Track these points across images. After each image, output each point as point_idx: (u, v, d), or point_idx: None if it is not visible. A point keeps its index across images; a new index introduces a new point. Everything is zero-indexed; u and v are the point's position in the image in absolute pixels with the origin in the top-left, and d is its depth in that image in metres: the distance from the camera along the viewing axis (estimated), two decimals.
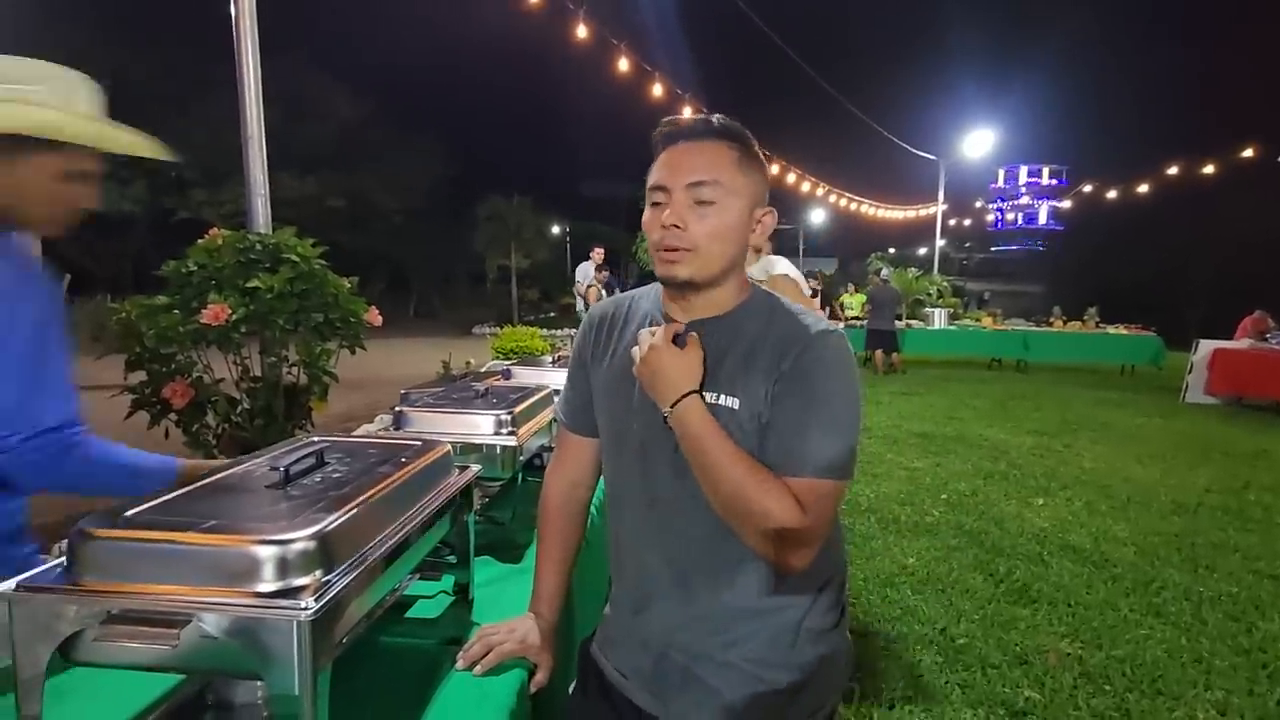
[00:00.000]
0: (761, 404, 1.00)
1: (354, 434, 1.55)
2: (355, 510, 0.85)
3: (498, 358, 3.70)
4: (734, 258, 1.07)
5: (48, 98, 1.19)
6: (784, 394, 0.99)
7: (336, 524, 0.81)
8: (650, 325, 1.13)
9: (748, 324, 1.07)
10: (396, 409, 1.59)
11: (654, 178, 1.06)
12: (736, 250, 1.07)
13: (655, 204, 1.06)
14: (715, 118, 1.06)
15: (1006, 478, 5.50)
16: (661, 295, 1.14)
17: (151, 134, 1.32)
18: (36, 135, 1.16)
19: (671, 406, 1.01)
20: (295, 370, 2.44)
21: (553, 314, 29.75)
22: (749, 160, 1.06)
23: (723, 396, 1.02)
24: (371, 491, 0.91)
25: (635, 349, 1.07)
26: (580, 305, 7.27)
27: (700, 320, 1.09)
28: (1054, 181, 62.41)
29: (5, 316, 1.11)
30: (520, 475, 1.60)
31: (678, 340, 1.06)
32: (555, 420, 1.31)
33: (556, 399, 1.33)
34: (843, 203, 19.27)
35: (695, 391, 1.01)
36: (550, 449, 1.74)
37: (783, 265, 2.88)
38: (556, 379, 2.28)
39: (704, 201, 1.02)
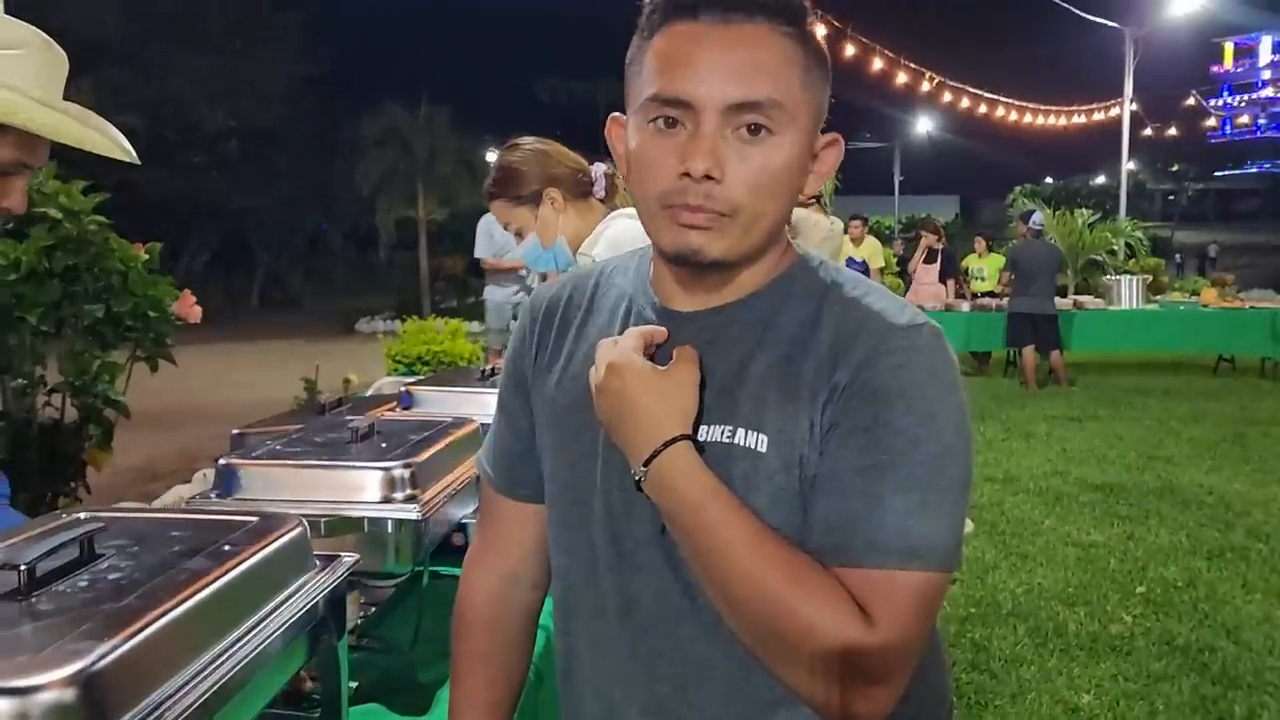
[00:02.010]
0: (805, 444, 0.70)
1: (155, 504, 1.19)
2: (142, 636, 0.66)
3: (397, 371, 3.15)
4: (784, 217, 0.75)
5: (11, 72, 1.06)
6: (840, 428, 0.70)
7: (109, 660, 0.62)
8: (631, 318, 0.82)
9: (786, 312, 0.75)
10: (223, 462, 1.26)
11: (663, 80, 0.70)
12: (788, 205, 0.75)
13: (661, 124, 0.71)
14: None
15: (1245, 557, 3.93)
16: (650, 269, 0.84)
17: None
18: None
19: (646, 463, 0.70)
20: (57, 399, 1.94)
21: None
22: (814, 57, 0.73)
23: (741, 432, 0.72)
24: (170, 604, 0.71)
25: (593, 368, 0.77)
26: (509, 292, 5.08)
27: (713, 309, 0.77)
28: None
29: None
30: (427, 570, 1.30)
31: (659, 353, 0.76)
32: (479, 476, 0.98)
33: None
34: (965, 104, 12.90)
35: (685, 437, 0.71)
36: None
37: (621, 230, 1.92)
38: (490, 406, 1.78)
39: (753, 129, 0.69)
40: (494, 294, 5.47)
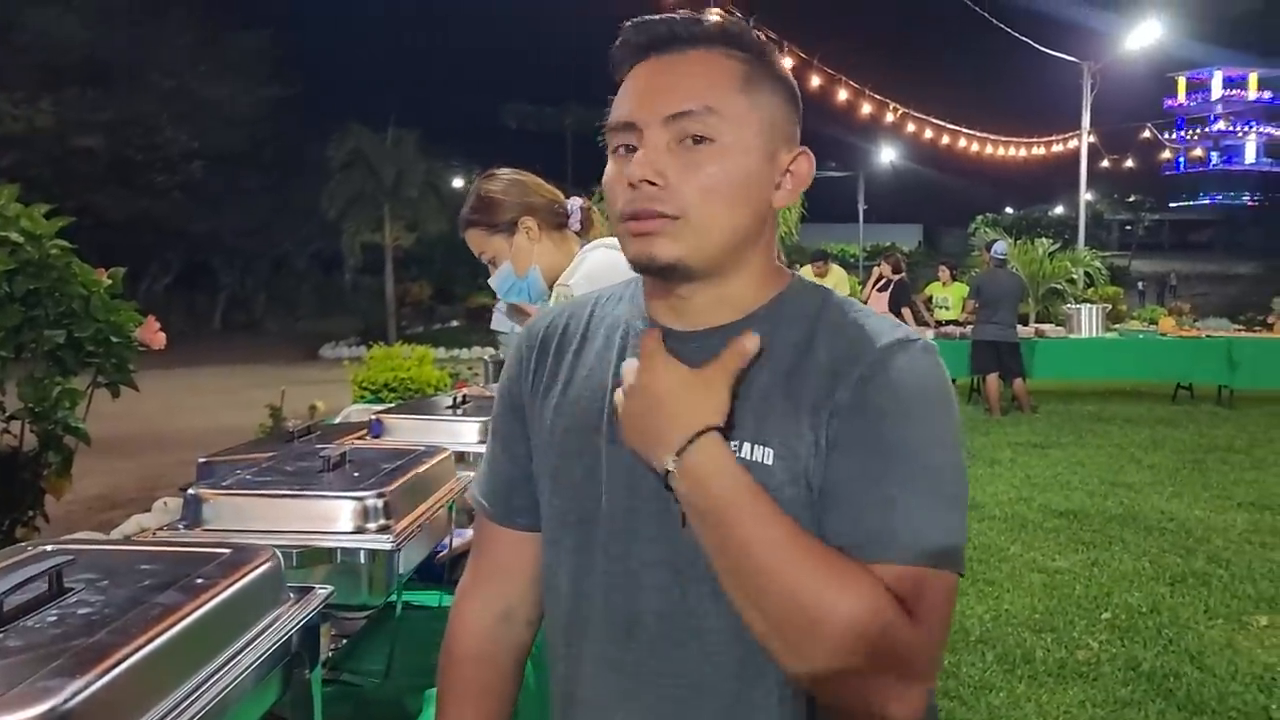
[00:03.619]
0: (810, 458, 0.71)
1: (114, 534, 1.16)
2: (114, 672, 0.64)
3: (363, 398, 3.07)
4: (747, 228, 0.76)
5: None
6: (844, 443, 0.70)
7: (82, 697, 0.60)
8: (629, 341, 0.81)
9: (783, 332, 0.76)
10: (189, 491, 1.21)
11: (616, 112, 0.76)
12: (751, 215, 0.76)
13: (619, 152, 0.76)
14: (710, 15, 0.78)
15: (1206, 583, 3.88)
16: (644, 294, 0.83)
17: None
18: None
19: (679, 452, 0.68)
20: (16, 425, 1.88)
21: (455, 323, 20.84)
22: (763, 75, 0.76)
23: (746, 446, 0.72)
24: (142, 639, 0.68)
25: (620, 390, 0.75)
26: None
27: (709, 329, 0.77)
28: (1268, 94, 38.98)
29: None
30: (400, 602, 1.25)
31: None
32: (459, 504, 0.98)
33: (471, 476, 1.00)
34: (928, 135, 12.91)
35: (715, 428, 0.69)
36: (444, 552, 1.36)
37: (597, 261, 1.82)
38: (461, 435, 1.73)
39: (695, 139, 0.73)
40: (503, 322, 5.14)
